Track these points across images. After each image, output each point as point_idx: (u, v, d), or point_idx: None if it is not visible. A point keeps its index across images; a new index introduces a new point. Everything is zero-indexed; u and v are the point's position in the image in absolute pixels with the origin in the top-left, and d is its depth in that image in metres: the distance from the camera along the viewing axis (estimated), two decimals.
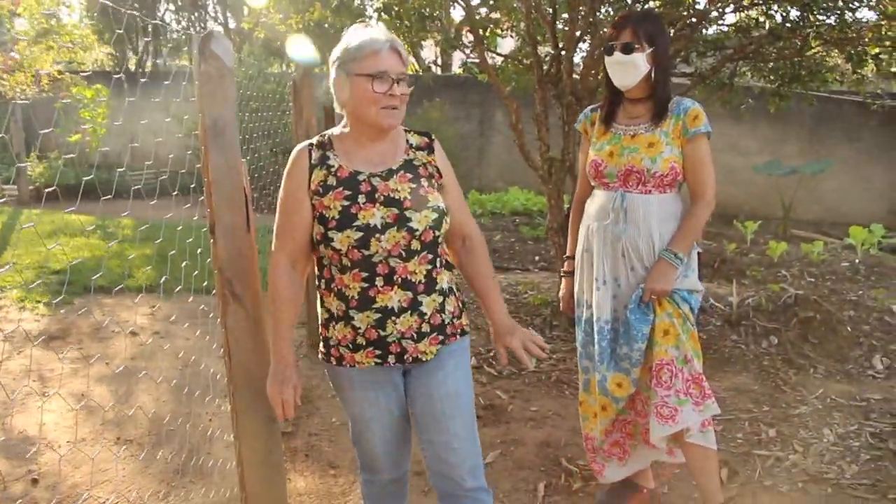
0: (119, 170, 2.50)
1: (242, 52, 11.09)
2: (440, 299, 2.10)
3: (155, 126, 4.39)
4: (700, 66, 5.53)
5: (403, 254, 2.01)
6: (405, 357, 2.07)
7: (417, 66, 15.66)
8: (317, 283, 2.16)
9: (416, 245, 2.02)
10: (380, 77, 1.97)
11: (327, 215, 2.01)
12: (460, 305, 2.22)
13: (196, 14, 17.53)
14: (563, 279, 3.05)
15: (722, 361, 4.61)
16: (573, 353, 3.81)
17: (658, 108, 2.71)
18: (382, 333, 2.04)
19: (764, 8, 4.13)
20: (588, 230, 2.83)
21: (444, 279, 2.12)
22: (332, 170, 2.05)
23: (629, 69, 2.65)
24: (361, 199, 2.01)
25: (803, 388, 4.20)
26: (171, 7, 17.68)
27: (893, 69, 4.46)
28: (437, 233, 2.05)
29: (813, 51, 4.64)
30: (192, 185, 2.73)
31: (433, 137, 2.22)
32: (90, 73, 12.81)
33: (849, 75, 5.10)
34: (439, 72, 14.31)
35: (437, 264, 2.09)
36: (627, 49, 2.63)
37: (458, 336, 2.17)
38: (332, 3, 4.64)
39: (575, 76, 4.97)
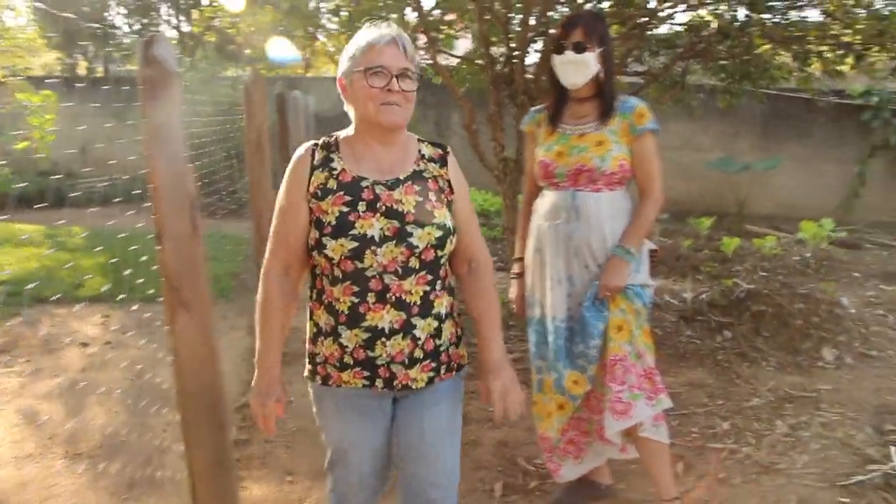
0: (56, 176, 2.44)
1: (196, 55, 10.96)
2: (436, 324, 1.96)
3: (106, 132, 4.31)
4: (653, 64, 5.60)
5: (400, 271, 1.87)
6: (395, 384, 1.93)
7: None
8: (309, 293, 2.03)
9: (414, 263, 1.88)
10: (377, 71, 1.86)
11: (324, 220, 1.88)
12: (459, 334, 2.07)
13: (148, 18, 17.28)
14: (513, 282, 3.04)
15: (677, 357, 4.67)
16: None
17: (605, 107, 2.73)
18: (371, 354, 1.90)
19: (712, 7, 4.19)
20: (539, 230, 2.83)
21: (443, 304, 1.97)
22: (335, 173, 1.93)
23: (580, 68, 2.67)
24: (361, 206, 1.87)
25: (756, 381, 4.27)
26: (123, 11, 17.41)
27: (838, 67, 4.56)
28: (439, 252, 1.91)
29: (761, 49, 4.72)
30: (139, 192, 2.69)
31: (448, 150, 2.07)
32: (39, 78, 12.54)
33: (796, 73, 5.20)
34: None
35: (437, 286, 1.95)
36: (579, 48, 2.65)
37: (454, 371, 2.04)
38: (284, 6, 4.60)
39: (528, 76, 5.00)
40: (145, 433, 3.45)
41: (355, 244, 1.84)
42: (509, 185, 5.07)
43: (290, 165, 1.97)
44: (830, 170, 9.66)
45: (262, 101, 4.53)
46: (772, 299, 5.10)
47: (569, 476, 3.01)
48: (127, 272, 2.87)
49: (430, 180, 1.97)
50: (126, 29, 17.24)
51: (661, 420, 2.77)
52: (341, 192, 1.89)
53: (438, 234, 1.89)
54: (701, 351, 4.75)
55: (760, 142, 10.03)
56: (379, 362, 1.91)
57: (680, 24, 5.18)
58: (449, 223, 1.93)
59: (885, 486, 3.14)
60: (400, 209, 1.88)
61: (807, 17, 4.28)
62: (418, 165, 1.98)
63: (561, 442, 2.94)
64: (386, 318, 1.88)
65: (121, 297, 3.16)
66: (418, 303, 1.90)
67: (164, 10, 16.97)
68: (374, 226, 1.85)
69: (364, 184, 1.91)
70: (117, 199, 2.56)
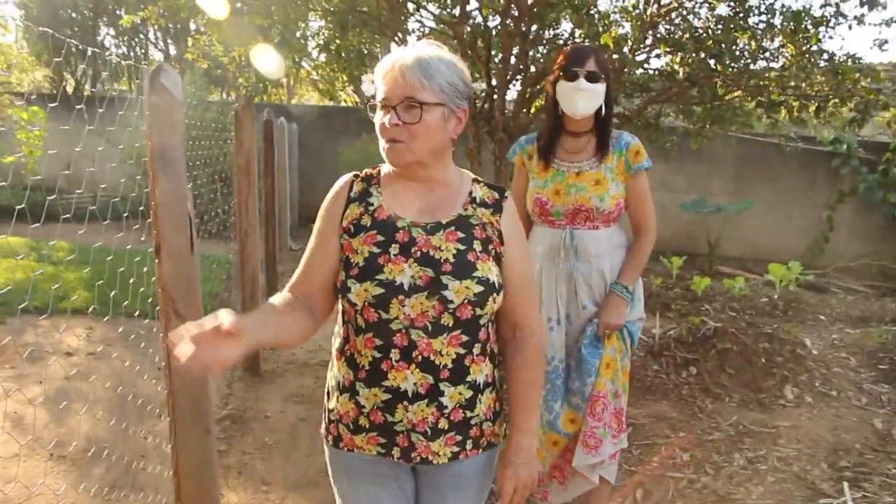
0: (50, 197, 2.55)
1: (184, 79, 11.11)
2: (469, 394, 1.70)
3: (93, 151, 4.42)
4: (627, 106, 5.82)
5: (430, 327, 1.63)
6: (412, 455, 1.70)
7: (357, 100, 15.85)
8: (333, 340, 1.83)
9: (447, 320, 1.64)
10: (382, 105, 1.67)
11: (352, 260, 1.68)
12: (497, 409, 1.82)
13: (136, 40, 17.44)
14: None
15: (643, 390, 4.83)
16: None
17: (602, 144, 2.73)
18: (390, 419, 1.67)
19: (681, 55, 4.42)
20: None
21: (481, 371, 1.72)
22: (371, 209, 1.73)
23: (592, 98, 2.63)
24: (394, 249, 1.66)
25: (718, 416, 4.43)
26: (112, 32, 17.56)
27: (803, 115, 4.79)
28: (478, 311, 1.66)
29: (731, 95, 4.96)
30: (126, 214, 2.82)
31: (507, 194, 1.82)
32: (31, 95, 12.62)
33: (764, 120, 5.45)
34: None
35: (475, 350, 1.70)
36: (593, 77, 2.62)
37: (482, 449, 1.77)
38: (275, 37, 4.78)
39: (506, 113, 5.20)
40: (128, 439, 3.55)
41: (381, 290, 1.62)
42: None
43: (329, 195, 1.80)
44: (800, 214, 9.95)
45: (251, 126, 4.70)
46: (737, 338, 5.28)
47: (557, 502, 3.06)
48: (112, 292, 2.97)
49: (477, 227, 1.73)
50: (115, 50, 17.40)
51: (615, 459, 2.89)
52: (374, 231, 1.69)
53: (478, 289, 1.65)
54: (666, 385, 4.91)
55: (733, 184, 10.31)
56: (398, 429, 1.68)
57: (653, 69, 5.42)
58: (493, 278, 1.68)
59: None
60: (437, 257, 1.66)
61: (771, 67, 4.53)
62: (466, 210, 1.75)
63: (547, 468, 2.96)
64: (410, 379, 1.65)
65: (105, 311, 3.26)
66: (449, 366, 1.66)
67: (152, 33, 17.19)
68: (404, 272, 1.64)
69: (400, 224, 1.70)
70: (106, 219, 2.67)
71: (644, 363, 5.26)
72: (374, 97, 1.72)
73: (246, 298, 4.82)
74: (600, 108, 2.69)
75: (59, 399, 4.13)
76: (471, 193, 1.78)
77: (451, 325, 1.65)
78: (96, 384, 4.24)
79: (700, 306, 7.19)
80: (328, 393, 1.83)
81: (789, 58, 3.87)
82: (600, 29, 4.77)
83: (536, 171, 2.82)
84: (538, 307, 1.96)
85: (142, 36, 16.97)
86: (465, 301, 1.63)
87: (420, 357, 1.64)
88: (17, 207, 2.24)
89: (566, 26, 5.53)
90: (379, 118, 1.67)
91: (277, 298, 1.76)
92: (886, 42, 4.50)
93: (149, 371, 3.89)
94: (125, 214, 2.85)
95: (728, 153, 9.63)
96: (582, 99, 2.65)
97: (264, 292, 5.86)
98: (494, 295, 1.68)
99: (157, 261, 2.22)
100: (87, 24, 15.80)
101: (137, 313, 3.25)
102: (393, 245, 1.67)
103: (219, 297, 5.85)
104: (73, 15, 15.53)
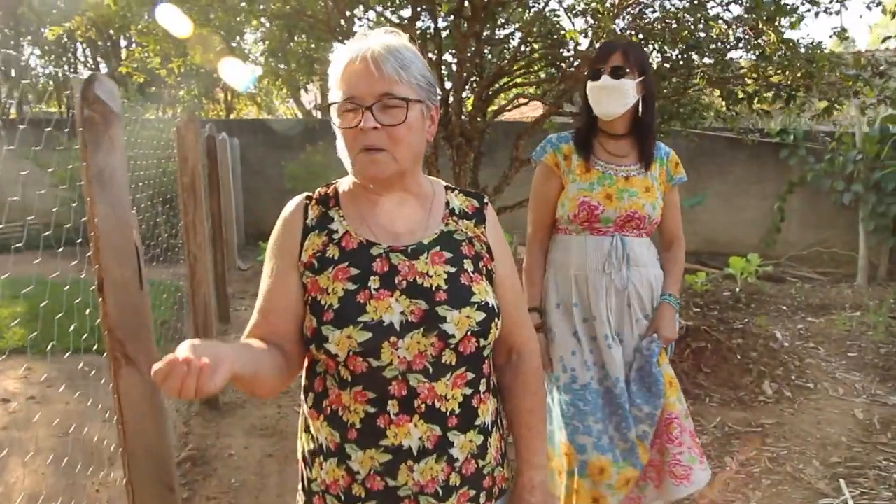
0: None
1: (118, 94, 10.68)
2: (480, 439, 1.45)
3: (24, 180, 4.10)
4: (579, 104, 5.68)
5: (430, 369, 1.37)
6: None
7: (297, 111, 15.56)
8: (302, 394, 1.51)
9: (449, 358, 1.38)
10: (347, 105, 1.36)
11: (323, 302, 1.37)
12: (503, 450, 1.56)
13: (64, 58, 16.80)
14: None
15: None
16: None
17: (646, 149, 2.51)
18: (392, 483, 1.38)
19: (658, 45, 4.27)
20: (576, 280, 2.50)
21: (488, 410, 1.47)
22: (336, 237, 1.43)
23: (617, 96, 2.39)
24: (374, 282, 1.38)
25: (701, 418, 4.29)
26: (37, 51, 16.91)
27: (764, 107, 4.69)
28: (482, 342, 1.41)
29: (692, 90, 4.84)
30: (60, 247, 2.52)
31: (486, 201, 1.57)
32: None
33: (723, 112, 5.35)
34: (320, 115, 14.15)
35: (481, 388, 1.45)
36: (617, 73, 2.38)
37: (495, 499, 1.51)
38: (216, 46, 4.50)
39: (462, 117, 5.01)
40: (78, 492, 3.22)
41: (368, 335, 1.34)
42: None
43: (277, 226, 1.49)
44: (752, 206, 9.97)
45: (194, 142, 4.41)
46: (710, 335, 5.17)
47: None
48: (54, 332, 2.66)
49: (464, 244, 1.47)
50: (40, 70, 16.75)
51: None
52: (345, 264, 1.40)
53: (480, 316, 1.39)
54: None
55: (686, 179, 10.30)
56: (402, 493, 1.39)
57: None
58: (492, 301, 1.43)
59: None
60: (427, 285, 1.39)
61: (739, 58, 4.42)
62: (447, 224, 1.48)
63: None
64: (414, 433, 1.37)
65: (44, 349, 2.93)
66: (457, 411, 1.40)
67: (80, 51, 16.60)
68: (392, 308, 1.36)
69: (375, 251, 1.41)
70: (38, 249, 2.38)
71: None
72: (333, 101, 1.41)
73: (199, 325, 4.51)
74: (637, 108, 2.43)
75: None
76: (448, 204, 1.51)
77: (454, 363, 1.39)
78: (38, 432, 3.89)
79: None
80: (305, 459, 1.50)
81: (768, 46, 3.73)
82: (557, 26, 4.62)
83: (578, 172, 2.51)
84: (532, 325, 1.66)
85: (70, 54, 16.34)
86: (469, 332, 1.38)
87: (423, 406, 1.37)
88: None
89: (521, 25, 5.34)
90: (346, 123, 1.37)
91: (246, 340, 1.43)
92: (846, 31, 4.39)
93: (96, 414, 3.57)
94: (59, 248, 2.54)
95: (679, 148, 9.51)
96: (605, 98, 2.41)
97: (216, 317, 5.55)
98: (497, 320, 1.43)
99: (100, 299, 1.94)
100: (8, 44, 15.15)
101: (82, 349, 2.92)
102: (372, 278, 1.38)
103: (168, 325, 5.52)
104: None
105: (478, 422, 1.44)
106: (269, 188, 10.82)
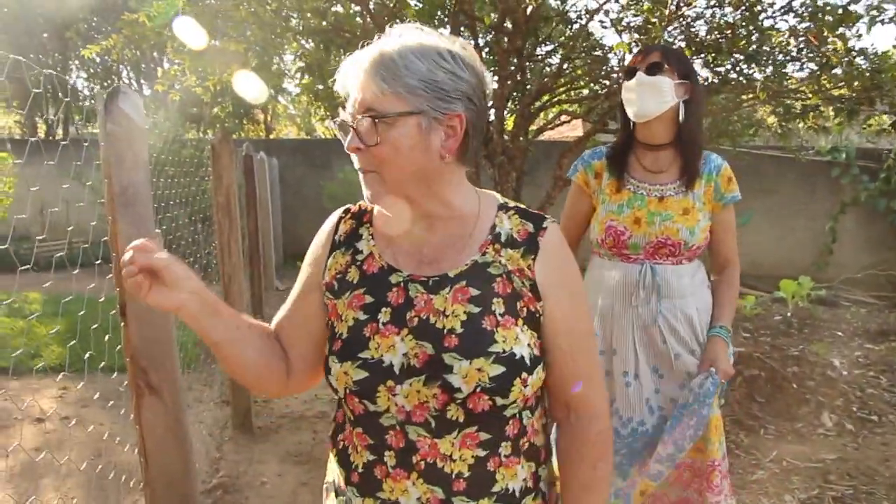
0: (24, 245, 2.19)
1: (158, 115, 10.76)
2: None
3: (65, 195, 4.07)
4: None
5: (432, 423, 1.18)
6: None
7: (336, 130, 15.51)
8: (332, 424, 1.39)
9: (455, 413, 1.18)
10: (343, 126, 1.24)
11: (337, 330, 1.26)
12: None
13: (109, 81, 17.10)
14: None
15: None
16: None
17: (690, 164, 2.24)
18: None
19: (707, 59, 4.09)
20: (599, 308, 2.31)
21: (514, 476, 1.24)
22: (359, 258, 1.30)
23: (653, 93, 2.15)
24: (384, 315, 1.22)
25: (757, 451, 4.06)
26: (83, 75, 17.23)
27: (826, 124, 4.48)
28: (499, 401, 1.17)
29: (746, 106, 4.64)
30: (98, 260, 2.44)
31: (545, 225, 1.30)
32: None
33: (775, 129, 5.13)
34: None
35: (501, 451, 1.22)
36: (653, 69, 2.16)
37: None
38: (252, 63, 4.43)
39: (504, 136, 4.88)
40: None
41: (364, 374, 1.19)
42: None
43: (317, 235, 1.39)
44: (801, 227, 9.66)
45: (229, 161, 4.32)
46: (764, 363, 4.93)
47: None
48: (87, 353, 2.57)
49: (499, 279, 1.23)
50: (87, 92, 17.06)
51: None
52: (361, 290, 1.26)
53: (496, 371, 1.16)
54: None
55: None
56: None
57: None
58: (523, 352, 1.19)
59: None
60: (439, 325, 1.20)
61: (793, 72, 4.22)
62: (484, 253, 1.25)
63: None
64: (412, 492, 1.20)
65: (80, 368, 2.84)
66: (466, 474, 1.20)
67: (124, 73, 16.87)
68: (395, 348, 1.19)
69: (394, 279, 1.25)
70: (75, 270, 2.29)
71: None
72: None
73: None
74: (680, 117, 2.20)
75: (26, 475, 3.69)
76: (493, 228, 1.27)
77: (461, 420, 1.18)
78: (71, 454, 3.80)
79: None
80: (326, 489, 1.39)
81: (833, 55, 3.52)
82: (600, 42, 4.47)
83: (608, 192, 2.31)
84: (602, 381, 1.40)
85: (114, 77, 16.61)
86: (479, 389, 1.15)
87: (423, 464, 1.19)
88: None
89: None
90: (346, 144, 1.24)
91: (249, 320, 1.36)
92: None
93: (129, 438, 3.48)
94: (97, 261, 2.45)
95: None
96: (640, 95, 2.17)
97: None
98: (525, 375, 1.18)
99: (122, 324, 1.83)
100: (56, 67, 15.44)
101: (116, 367, 2.81)
102: (384, 309, 1.22)
103: (201, 349, 5.44)
104: (42, 58, 15.16)
105: (496, 488, 1.21)
106: (308, 208, 10.78)
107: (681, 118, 2.20)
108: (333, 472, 1.34)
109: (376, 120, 1.17)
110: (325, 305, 1.31)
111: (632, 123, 2.28)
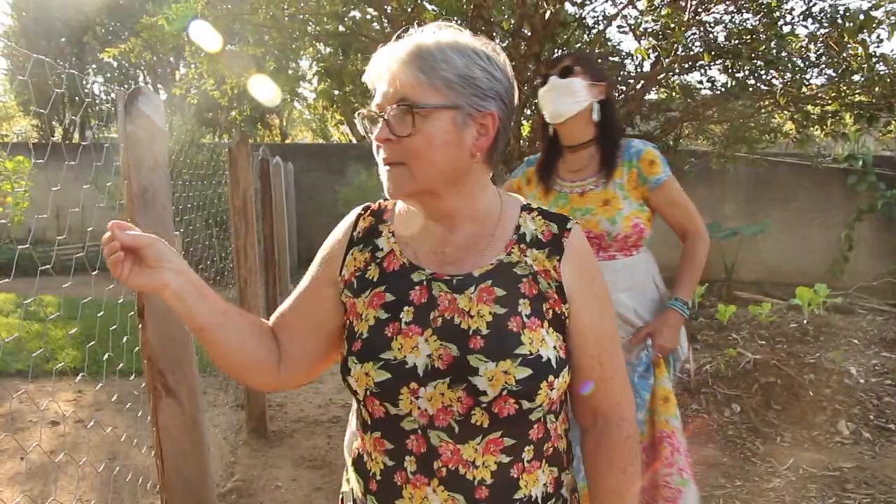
0: (39, 249, 2.20)
1: (175, 119, 10.82)
2: None
3: (82, 199, 4.10)
4: (644, 129, 5.50)
5: (456, 428, 1.15)
6: None
7: (352, 135, 15.61)
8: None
9: (480, 418, 1.15)
10: (371, 114, 1.20)
11: (357, 330, 1.22)
12: None
13: (126, 85, 17.22)
14: None
15: (685, 432, 4.42)
16: None
17: (605, 155, 2.32)
18: None
19: (726, 64, 4.07)
20: None
21: (536, 482, 1.20)
22: (379, 255, 1.27)
23: (565, 94, 2.26)
24: (407, 314, 1.19)
25: (773, 459, 4.02)
26: (100, 79, 17.34)
27: (845, 130, 4.45)
28: (525, 405, 1.15)
29: (764, 112, 4.62)
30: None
31: (569, 226, 1.27)
32: (13, 142, 12.32)
33: (793, 135, 5.10)
34: None
35: (527, 456, 1.19)
36: (565, 72, 2.27)
37: None
38: (269, 67, 4.44)
39: (521, 141, 4.88)
40: None
41: (386, 375, 1.16)
42: None
43: (332, 232, 1.38)
44: (817, 234, 9.59)
45: (246, 165, 4.33)
46: (780, 370, 4.89)
47: None
48: (106, 354, 2.58)
49: (525, 280, 1.21)
50: (104, 97, 17.17)
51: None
52: (381, 288, 1.23)
53: (523, 374, 1.13)
54: (710, 426, 4.50)
55: (746, 207, 9.97)
56: None
57: (670, 89, 5.08)
58: (549, 354, 1.16)
59: None
60: (464, 326, 1.16)
61: (810, 78, 4.19)
62: (509, 254, 1.23)
63: None
64: (433, 499, 1.16)
65: (97, 372, 2.85)
66: (488, 482, 1.16)
67: (141, 77, 16.98)
68: (419, 349, 1.16)
69: (416, 277, 1.22)
70: (94, 272, 2.30)
71: (682, 402, 4.84)
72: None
73: None
74: (593, 111, 2.30)
75: (41, 477, 3.70)
76: (518, 229, 1.25)
77: (485, 425, 1.15)
78: (86, 457, 3.81)
79: (727, 335, 6.78)
80: (342, 499, 1.36)
81: (854, 60, 3.50)
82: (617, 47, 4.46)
83: (538, 196, 2.43)
84: (629, 386, 1.33)
85: (131, 81, 16.71)
86: (505, 392, 1.12)
87: (444, 470, 1.15)
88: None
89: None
90: (372, 137, 1.21)
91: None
92: None
93: (145, 441, 3.48)
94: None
95: (739, 175, 9.32)
96: (553, 97, 2.29)
97: None
98: (551, 378, 1.15)
99: (140, 325, 1.83)
100: (74, 70, 15.58)
101: (132, 369, 2.82)
102: (406, 308, 1.19)
103: None
104: (59, 62, 15.29)
105: (519, 495, 1.18)
106: (323, 212, 10.79)
107: (595, 117, 2.30)
108: (351, 483, 1.31)
109: (413, 110, 1.14)
110: (340, 303, 1.29)
111: (551, 129, 2.40)
